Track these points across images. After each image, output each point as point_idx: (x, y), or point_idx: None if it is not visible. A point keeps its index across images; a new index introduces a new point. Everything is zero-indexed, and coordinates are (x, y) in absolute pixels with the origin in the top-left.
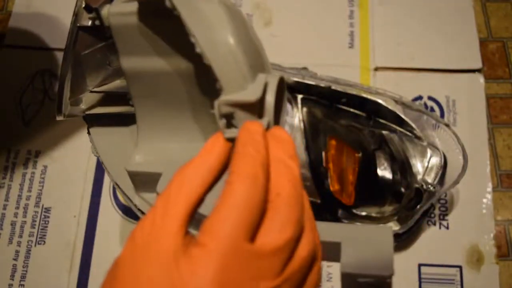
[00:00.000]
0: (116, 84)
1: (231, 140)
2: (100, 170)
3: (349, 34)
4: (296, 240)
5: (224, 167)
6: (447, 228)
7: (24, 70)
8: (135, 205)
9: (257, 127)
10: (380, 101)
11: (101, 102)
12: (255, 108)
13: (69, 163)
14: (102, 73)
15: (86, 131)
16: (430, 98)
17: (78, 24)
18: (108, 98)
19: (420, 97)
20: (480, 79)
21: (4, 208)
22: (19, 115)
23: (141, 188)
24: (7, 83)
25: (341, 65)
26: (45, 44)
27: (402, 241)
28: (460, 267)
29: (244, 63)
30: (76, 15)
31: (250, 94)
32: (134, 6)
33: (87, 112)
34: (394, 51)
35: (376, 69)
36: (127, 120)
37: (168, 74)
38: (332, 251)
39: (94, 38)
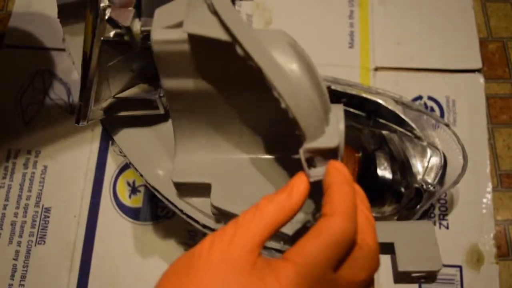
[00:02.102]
0: (138, 89)
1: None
2: (100, 170)
3: (349, 34)
4: (367, 284)
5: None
6: (447, 228)
7: (24, 70)
8: (181, 210)
9: (343, 167)
10: (380, 101)
11: (121, 105)
12: (335, 151)
13: (69, 163)
14: (124, 79)
15: (86, 131)
16: (430, 98)
17: (102, 38)
18: (128, 101)
19: (420, 97)
20: (480, 79)
21: (4, 208)
22: (19, 115)
23: (184, 194)
24: (7, 83)
25: (341, 65)
26: (45, 44)
27: None
28: (460, 267)
29: (321, 110)
30: (98, 28)
31: (330, 140)
32: (179, 34)
33: (114, 115)
34: (394, 51)
35: (376, 69)
36: (148, 120)
37: (209, 93)
38: (383, 250)
39: (118, 49)
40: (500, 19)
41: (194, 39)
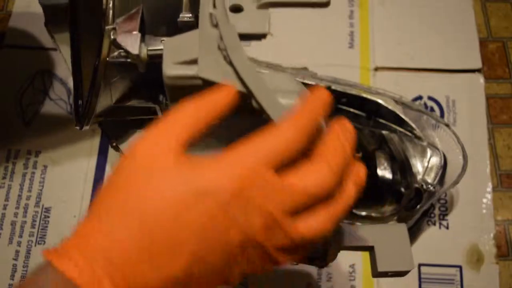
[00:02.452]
0: (137, 96)
1: None
2: (100, 170)
3: (349, 34)
4: (314, 202)
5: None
6: (447, 228)
7: (24, 70)
8: None
9: (326, 95)
10: (380, 101)
11: (120, 110)
12: None
13: (69, 163)
14: (125, 88)
15: (86, 131)
16: (430, 98)
17: (108, 59)
18: (128, 107)
19: (420, 97)
20: (480, 79)
21: (4, 208)
22: (19, 115)
23: None
24: (7, 83)
25: (341, 65)
26: (45, 44)
27: None
28: (460, 267)
29: None
30: (103, 49)
31: None
32: (192, 71)
33: (114, 118)
34: (394, 51)
35: (376, 69)
36: (146, 122)
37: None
38: (362, 250)
39: (122, 67)
40: (500, 19)
41: (207, 80)
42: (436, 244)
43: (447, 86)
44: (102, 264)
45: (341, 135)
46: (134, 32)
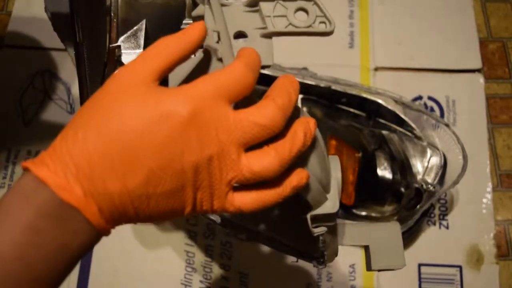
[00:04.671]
0: None
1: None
2: None
3: (349, 34)
4: (264, 135)
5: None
6: (447, 228)
7: (24, 70)
8: None
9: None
10: (380, 101)
11: None
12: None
13: None
14: None
15: None
16: (430, 98)
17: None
18: None
19: (420, 97)
20: (480, 79)
21: None
22: (20, 115)
23: None
24: (7, 83)
25: (341, 65)
26: (45, 44)
27: (402, 241)
28: (460, 267)
29: (325, 184)
30: (108, 67)
31: (332, 206)
32: None
33: None
34: (394, 51)
35: (376, 69)
36: None
37: None
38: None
39: None
40: (500, 19)
41: None
42: (436, 244)
43: (447, 86)
44: (72, 170)
45: (287, 83)
46: (138, 50)
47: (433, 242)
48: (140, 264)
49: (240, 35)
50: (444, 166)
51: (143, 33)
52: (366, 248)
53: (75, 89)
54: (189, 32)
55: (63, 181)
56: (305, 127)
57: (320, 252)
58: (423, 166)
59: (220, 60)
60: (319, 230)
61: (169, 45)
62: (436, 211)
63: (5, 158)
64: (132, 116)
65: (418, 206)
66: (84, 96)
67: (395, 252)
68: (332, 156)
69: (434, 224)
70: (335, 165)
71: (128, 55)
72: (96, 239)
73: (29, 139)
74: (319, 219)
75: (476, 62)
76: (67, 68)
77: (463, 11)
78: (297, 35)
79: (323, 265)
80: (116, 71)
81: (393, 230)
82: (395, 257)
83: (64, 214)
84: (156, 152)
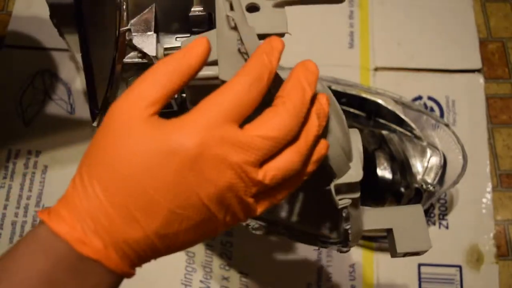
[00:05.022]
0: None
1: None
2: None
3: (349, 34)
4: (279, 145)
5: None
6: (447, 228)
7: (25, 70)
8: None
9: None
10: (380, 101)
11: None
12: (353, 185)
13: (70, 163)
14: None
15: (86, 131)
16: (430, 98)
17: (124, 61)
18: None
19: (420, 97)
20: (480, 79)
21: (5, 208)
22: (20, 115)
23: None
24: (8, 83)
25: (341, 65)
26: (45, 44)
27: None
28: (460, 266)
29: (347, 152)
30: (119, 51)
31: (356, 175)
32: (212, 71)
33: None
34: (394, 51)
35: (376, 69)
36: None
37: None
38: (380, 232)
39: (138, 66)
40: (500, 19)
41: None
42: (436, 244)
43: (447, 86)
44: (90, 224)
45: (302, 75)
46: (149, 33)
47: (433, 242)
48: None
49: (252, 7)
50: (444, 166)
51: (153, 16)
52: (389, 233)
53: (75, 89)
54: (190, 52)
55: (81, 235)
56: (317, 108)
57: (344, 234)
58: (423, 166)
59: (234, 28)
60: (343, 202)
61: (168, 71)
62: (436, 211)
63: (5, 158)
64: (137, 157)
65: None
66: (90, 84)
67: (420, 235)
68: (352, 129)
69: (434, 224)
70: (355, 137)
71: (139, 37)
72: (119, 282)
73: (29, 139)
74: (343, 190)
75: (476, 62)
76: (67, 68)
77: (463, 11)
78: (309, 4)
79: (347, 248)
80: (113, 105)
81: (416, 212)
82: (420, 239)
83: (84, 267)
84: (169, 191)
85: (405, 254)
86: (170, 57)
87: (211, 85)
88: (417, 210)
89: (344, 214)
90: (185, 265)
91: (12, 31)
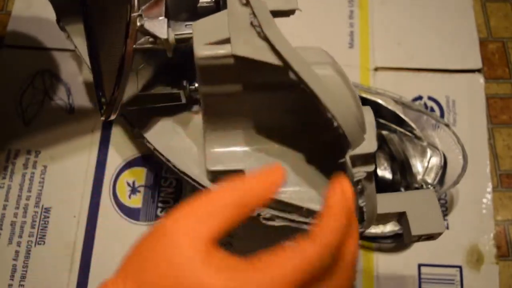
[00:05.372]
0: (160, 82)
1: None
2: (100, 170)
3: (349, 34)
4: None
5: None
6: (447, 228)
7: (24, 70)
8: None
9: (348, 188)
10: (380, 101)
11: (143, 98)
12: (369, 157)
13: (69, 163)
14: (150, 75)
15: (86, 131)
16: (430, 98)
17: (135, 47)
18: (151, 94)
19: (420, 97)
20: (480, 79)
21: (4, 208)
22: (19, 115)
23: (217, 179)
24: (7, 83)
25: (341, 64)
26: (45, 44)
27: (402, 241)
28: (460, 267)
29: (361, 121)
30: (130, 37)
31: (370, 146)
32: (224, 50)
33: (136, 107)
34: (394, 51)
35: (376, 69)
36: (168, 108)
37: (247, 94)
38: (395, 215)
39: (149, 54)
40: (500, 19)
41: (240, 57)
42: (436, 244)
43: (447, 86)
44: None
45: (337, 211)
46: (161, 18)
47: (433, 242)
48: None
49: None
50: (444, 166)
51: (163, 2)
52: (402, 217)
53: (76, 89)
54: (261, 181)
55: None
56: (351, 245)
57: (359, 213)
58: (423, 166)
59: (245, 4)
60: (359, 174)
61: (232, 201)
62: None
63: (5, 158)
64: None
65: None
66: (97, 73)
67: (433, 217)
68: (365, 106)
69: None
70: (368, 112)
71: (150, 22)
72: None
73: (29, 139)
74: (358, 162)
75: (476, 62)
76: (67, 68)
77: (463, 11)
78: None
79: (362, 230)
80: (169, 220)
81: (429, 196)
82: (434, 222)
83: None
84: None
85: (420, 238)
86: (235, 182)
87: (222, 65)
88: (429, 193)
89: (359, 187)
90: None
91: (11, 31)
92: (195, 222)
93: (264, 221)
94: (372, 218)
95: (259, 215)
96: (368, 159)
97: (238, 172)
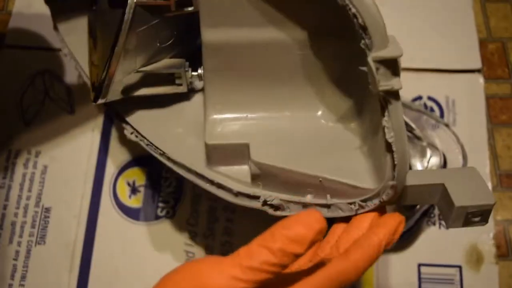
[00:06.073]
0: (162, 63)
1: (387, 92)
2: (100, 170)
3: None
4: None
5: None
6: (447, 228)
7: (25, 70)
8: (211, 181)
9: (394, 225)
10: None
11: (140, 83)
12: (395, 64)
13: (69, 163)
14: (150, 51)
15: (86, 131)
16: (430, 98)
17: (135, 0)
18: (149, 78)
19: (420, 97)
20: (480, 79)
21: (4, 208)
22: (20, 115)
23: (214, 162)
24: (8, 83)
25: None
26: (46, 44)
27: (402, 241)
28: (459, 267)
29: (383, 23)
30: None
31: (396, 50)
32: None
33: (132, 95)
34: None
35: None
36: (163, 101)
37: (254, 45)
38: (432, 193)
39: (149, 14)
40: (499, 19)
41: None
42: (436, 244)
43: (447, 86)
44: None
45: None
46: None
47: (433, 242)
48: (140, 264)
49: None
50: (443, 166)
51: None
52: (442, 197)
53: (76, 89)
54: (302, 231)
55: None
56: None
57: (385, 144)
58: (423, 166)
59: None
60: (384, 85)
61: (273, 255)
62: (436, 211)
63: (5, 158)
64: None
65: (417, 206)
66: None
67: (479, 189)
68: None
69: (434, 224)
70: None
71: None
72: None
73: (30, 139)
74: (382, 70)
75: (475, 62)
76: (67, 68)
77: (463, 11)
78: None
79: (393, 182)
80: (205, 266)
81: (471, 170)
82: (481, 193)
83: None
84: None
85: (467, 219)
86: (275, 234)
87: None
88: (472, 170)
89: (383, 102)
90: None
91: (12, 31)
92: (233, 276)
93: (272, 213)
94: (404, 161)
95: (264, 204)
96: (393, 66)
97: (241, 145)
